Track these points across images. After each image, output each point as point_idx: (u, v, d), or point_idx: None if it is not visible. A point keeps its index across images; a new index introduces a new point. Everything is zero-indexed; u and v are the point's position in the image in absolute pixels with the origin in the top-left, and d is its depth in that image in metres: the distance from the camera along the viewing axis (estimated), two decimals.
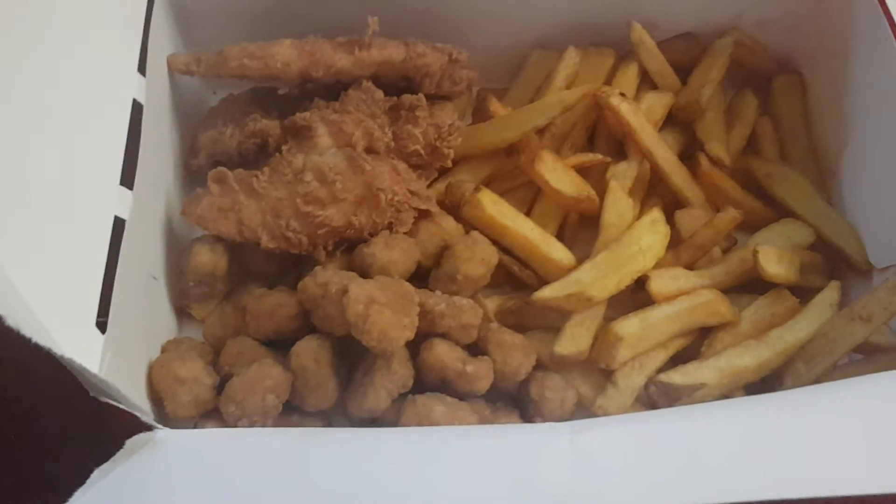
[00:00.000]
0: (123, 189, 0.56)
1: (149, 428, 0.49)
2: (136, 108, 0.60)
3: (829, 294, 0.63)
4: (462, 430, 0.52)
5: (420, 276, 0.65)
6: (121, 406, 0.49)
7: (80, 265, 0.51)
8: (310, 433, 0.50)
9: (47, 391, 0.53)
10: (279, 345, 0.64)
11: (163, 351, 0.63)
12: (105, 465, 0.46)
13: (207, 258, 0.64)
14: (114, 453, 0.47)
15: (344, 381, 0.62)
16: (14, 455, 0.60)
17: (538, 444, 0.45)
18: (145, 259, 0.62)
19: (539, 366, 0.63)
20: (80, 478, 0.45)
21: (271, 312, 0.63)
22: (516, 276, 0.67)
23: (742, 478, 0.44)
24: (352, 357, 0.63)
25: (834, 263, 0.68)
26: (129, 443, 0.47)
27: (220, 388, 0.61)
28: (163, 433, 0.48)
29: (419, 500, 0.43)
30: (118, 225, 0.55)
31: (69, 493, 0.44)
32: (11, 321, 0.39)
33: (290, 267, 0.67)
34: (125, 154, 0.57)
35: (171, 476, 0.46)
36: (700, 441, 0.45)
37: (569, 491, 0.42)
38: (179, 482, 0.46)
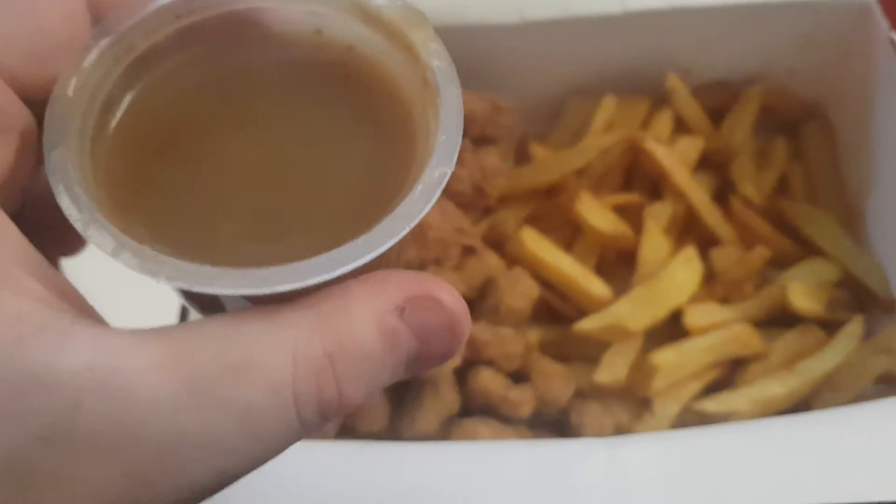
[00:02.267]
0: None
1: None
2: None
3: (854, 327, 0.66)
4: (503, 443, 0.56)
5: None
6: None
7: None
8: (362, 447, 0.54)
9: None
10: None
11: None
12: None
13: None
14: None
15: (395, 405, 0.66)
16: None
17: (576, 456, 0.48)
18: None
19: (579, 393, 0.67)
20: None
21: None
22: (557, 309, 0.71)
23: (772, 486, 0.47)
24: (402, 383, 0.67)
25: (860, 299, 0.71)
26: None
27: None
28: None
29: None
30: None
31: None
32: None
33: None
34: None
35: (246, 481, 0.51)
36: (733, 452, 0.48)
37: (605, 498, 0.46)
38: (253, 487, 0.50)
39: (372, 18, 0.29)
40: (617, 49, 0.77)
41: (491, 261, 0.71)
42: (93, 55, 0.27)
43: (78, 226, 0.24)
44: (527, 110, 0.79)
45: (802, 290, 0.67)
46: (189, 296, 0.27)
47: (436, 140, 0.26)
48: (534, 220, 0.75)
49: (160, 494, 0.23)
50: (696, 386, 0.66)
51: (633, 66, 0.78)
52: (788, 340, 0.67)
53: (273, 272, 0.24)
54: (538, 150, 0.77)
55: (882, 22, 0.70)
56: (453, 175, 0.78)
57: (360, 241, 0.24)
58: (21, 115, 0.26)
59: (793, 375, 0.64)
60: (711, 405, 0.64)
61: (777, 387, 0.64)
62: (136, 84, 0.29)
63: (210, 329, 0.24)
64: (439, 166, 0.26)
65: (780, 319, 0.69)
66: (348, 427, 0.65)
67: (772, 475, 0.48)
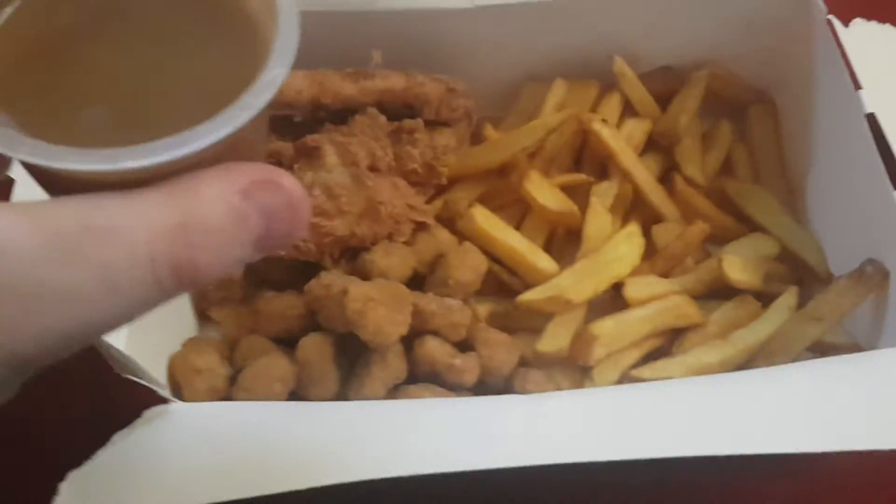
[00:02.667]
0: None
1: (165, 401, 0.56)
2: None
3: (788, 298, 0.68)
4: (433, 400, 0.58)
5: (417, 282, 0.72)
6: (141, 382, 0.56)
7: None
8: (305, 405, 0.57)
9: (80, 369, 0.60)
10: (288, 343, 0.70)
11: (182, 347, 0.70)
12: (124, 431, 0.53)
13: None
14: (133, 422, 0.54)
15: (345, 374, 0.69)
16: (51, 422, 0.68)
17: (499, 409, 0.51)
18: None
19: (523, 363, 0.69)
20: (102, 442, 0.52)
21: (281, 313, 0.70)
22: (505, 283, 0.74)
23: (684, 436, 0.49)
24: (352, 353, 0.69)
25: (799, 273, 0.73)
26: (146, 413, 0.54)
27: (234, 381, 0.68)
28: (177, 405, 0.55)
29: (390, 461, 0.49)
30: None
31: (92, 454, 0.51)
32: None
33: (300, 274, 0.74)
34: None
35: (183, 439, 0.53)
36: (646, 406, 0.51)
37: (524, 447, 0.48)
38: (190, 444, 0.53)
39: None
40: (568, 35, 0.80)
41: (442, 236, 0.74)
42: None
43: None
44: (482, 95, 0.81)
45: (738, 264, 0.69)
46: (50, 182, 0.30)
47: (273, 49, 0.30)
48: (486, 199, 0.77)
49: (25, 338, 0.26)
50: (635, 355, 0.68)
51: (583, 52, 0.81)
52: (724, 311, 0.70)
53: (123, 151, 0.27)
54: (491, 132, 0.79)
55: (820, 9, 0.73)
56: (406, 154, 0.80)
57: (201, 126, 0.28)
58: None
59: (727, 344, 0.67)
60: (647, 372, 0.66)
61: (711, 355, 0.66)
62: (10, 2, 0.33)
63: (71, 199, 0.27)
64: (275, 68, 0.29)
65: (720, 293, 0.72)
66: (300, 397, 0.68)
67: (682, 426, 0.50)
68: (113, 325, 0.28)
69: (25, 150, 0.27)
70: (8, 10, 0.32)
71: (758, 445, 0.50)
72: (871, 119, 0.65)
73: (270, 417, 0.55)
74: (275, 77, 0.29)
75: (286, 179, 0.29)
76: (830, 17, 0.72)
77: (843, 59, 0.70)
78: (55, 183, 0.29)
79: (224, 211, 0.28)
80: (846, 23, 0.72)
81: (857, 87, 0.67)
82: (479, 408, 0.53)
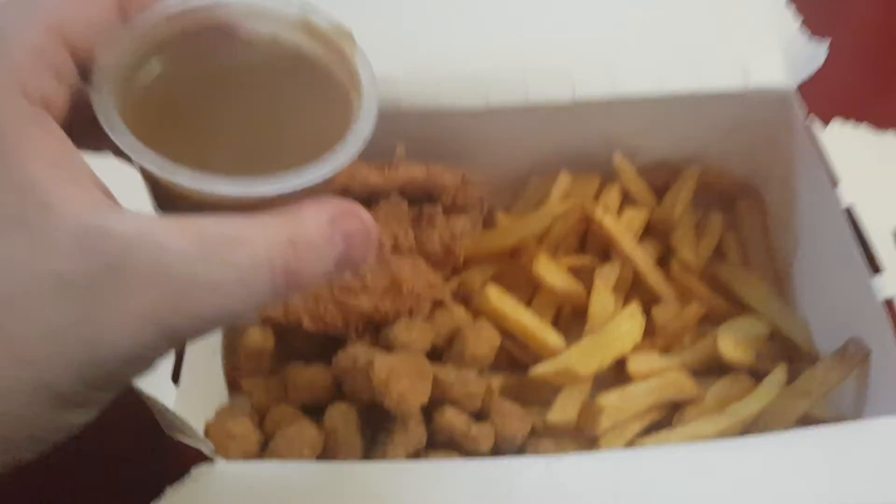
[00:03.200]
0: None
1: (211, 460, 0.61)
2: None
3: (778, 374, 0.74)
4: (454, 462, 0.64)
5: (435, 355, 0.78)
6: (189, 442, 0.61)
7: None
8: (340, 465, 0.62)
9: (136, 430, 0.65)
10: (316, 412, 0.76)
11: (217, 414, 0.75)
12: (176, 485, 0.58)
13: (258, 338, 0.78)
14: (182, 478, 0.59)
15: (369, 441, 0.74)
16: (107, 477, 0.72)
17: (516, 468, 0.56)
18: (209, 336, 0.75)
19: (534, 432, 0.75)
20: (156, 496, 0.57)
21: (309, 383, 0.76)
22: (517, 357, 0.80)
23: (687, 497, 0.55)
24: (376, 421, 0.74)
25: (788, 351, 0.79)
26: (195, 470, 0.60)
27: (264, 448, 0.73)
28: (222, 464, 0.60)
29: None
30: None
31: None
32: None
33: (326, 347, 0.80)
34: None
35: (231, 497, 0.58)
36: (656, 468, 0.56)
37: (540, 501, 0.53)
38: (235, 499, 0.58)
39: (314, 32, 0.42)
40: (571, 133, 0.87)
41: (459, 313, 0.80)
42: (124, 38, 0.39)
43: (119, 143, 0.35)
44: (493, 185, 0.88)
45: (732, 342, 0.76)
46: (177, 202, 0.37)
47: (359, 111, 0.39)
48: (498, 279, 0.84)
49: (181, 317, 0.33)
50: (638, 426, 0.74)
51: (585, 147, 0.88)
52: (720, 386, 0.75)
53: (256, 181, 0.35)
54: (502, 219, 0.86)
55: (800, 112, 0.81)
56: (426, 237, 0.87)
57: (311, 167, 0.36)
58: (72, 72, 0.38)
59: (723, 417, 0.72)
60: (650, 442, 0.71)
61: (708, 427, 0.72)
62: (154, 63, 0.41)
63: (210, 215, 0.35)
64: (364, 125, 0.38)
65: (714, 369, 0.78)
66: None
67: (685, 488, 0.55)
68: (240, 314, 0.35)
69: (184, 175, 0.35)
70: (155, 67, 0.40)
71: None
72: (849, 211, 0.73)
73: (311, 476, 0.60)
74: (364, 133, 0.38)
75: (363, 213, 0.38)
76: (810, 117, 0.80)
77: (821, 157, 0.77)
78: (182, 203, 0.36)
79: (319, 233, 0.36)
80: (825, 123, 0.79)
81: (834, 183, 0.74)
82: (496, 466, 0.58)
